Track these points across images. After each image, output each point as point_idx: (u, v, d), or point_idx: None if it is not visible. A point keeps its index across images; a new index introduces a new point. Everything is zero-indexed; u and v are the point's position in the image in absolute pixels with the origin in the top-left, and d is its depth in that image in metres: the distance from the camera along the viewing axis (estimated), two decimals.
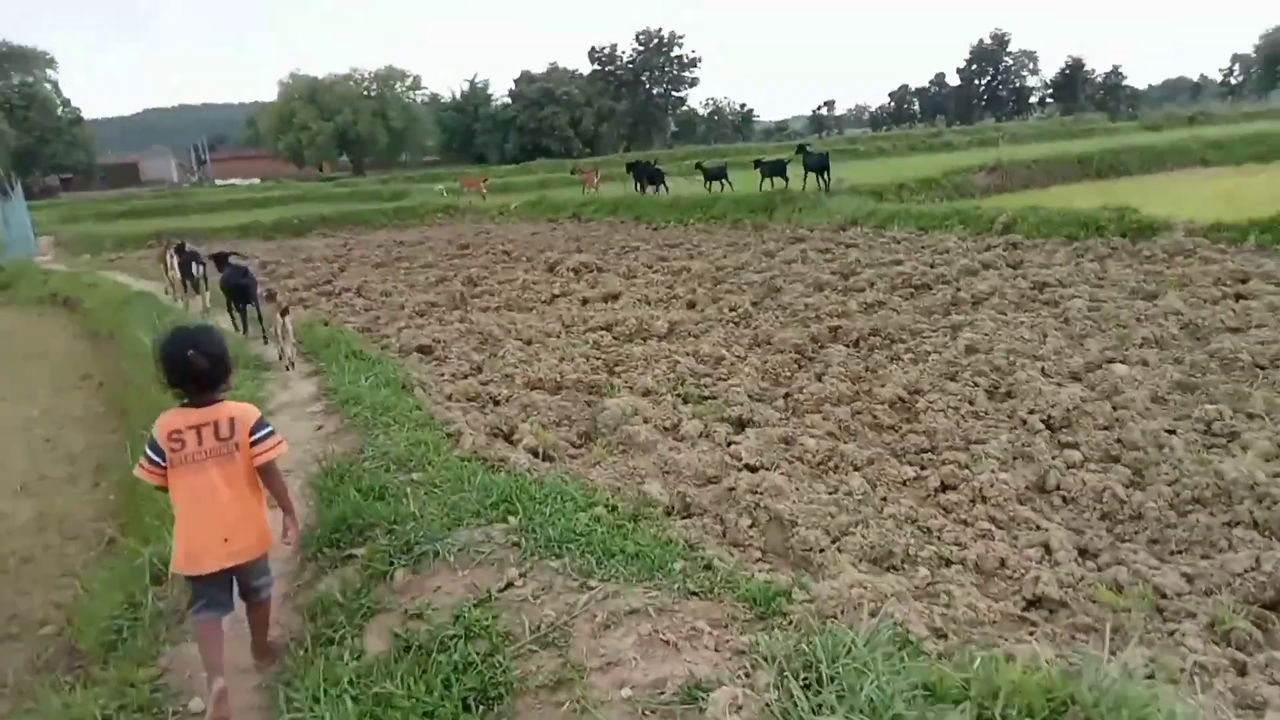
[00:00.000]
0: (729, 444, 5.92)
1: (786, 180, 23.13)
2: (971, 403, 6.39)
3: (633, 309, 11.07)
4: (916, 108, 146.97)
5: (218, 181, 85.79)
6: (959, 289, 10.23)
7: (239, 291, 9.84)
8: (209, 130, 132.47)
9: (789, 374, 7.63)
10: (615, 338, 9.55)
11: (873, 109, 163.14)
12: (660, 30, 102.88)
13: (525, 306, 12.25)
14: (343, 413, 6.42)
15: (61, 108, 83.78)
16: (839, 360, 7.57)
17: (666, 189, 27.43)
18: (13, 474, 8.17)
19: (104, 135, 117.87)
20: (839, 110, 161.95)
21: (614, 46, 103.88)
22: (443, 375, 8.06)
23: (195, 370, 3.24)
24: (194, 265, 11.61)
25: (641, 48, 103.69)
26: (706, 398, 7.05)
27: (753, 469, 5.24)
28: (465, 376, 8.25)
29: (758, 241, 17.82)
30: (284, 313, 8.47)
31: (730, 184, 24.79)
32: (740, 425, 6.28)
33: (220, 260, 10.79)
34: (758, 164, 24.71)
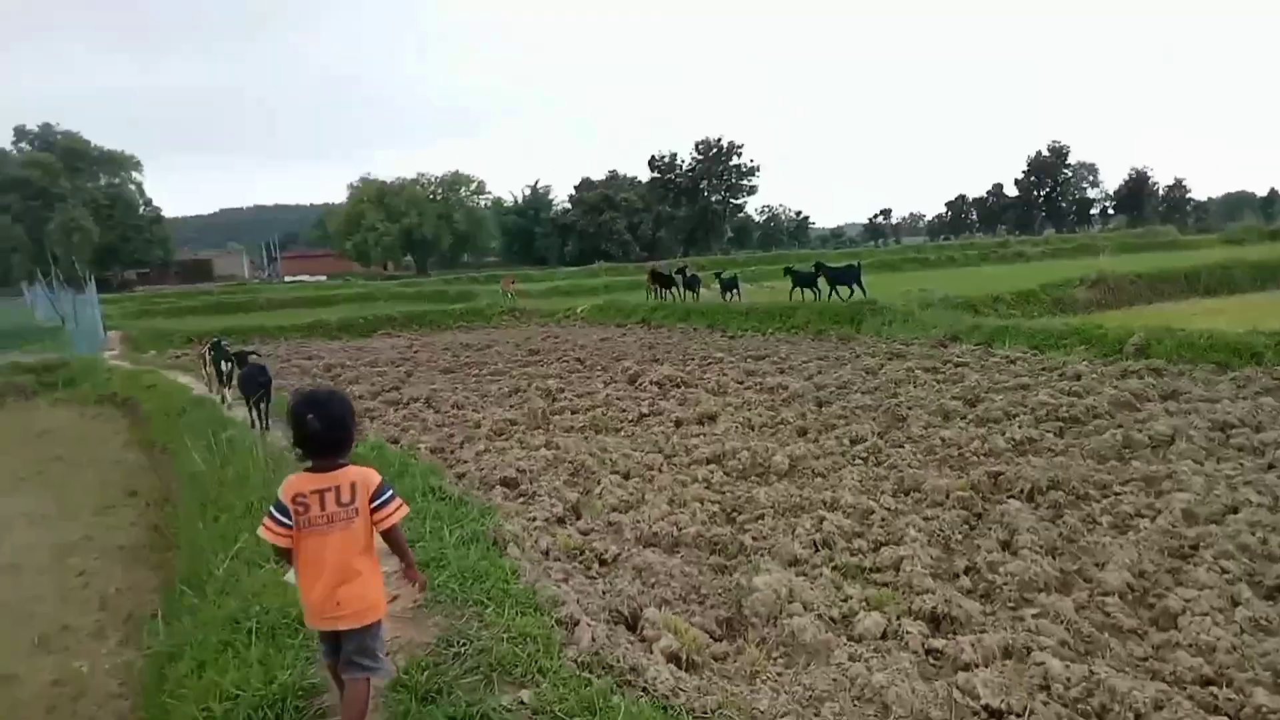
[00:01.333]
0: (929, 652, 4.49)
1: (817, 291, 23.29)
2: (1236, 602, 4.89)
3: (739, 437, 9.78)
4: (974, 217, 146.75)
5: (287, 279, 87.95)
6: (1123, 427, 8.76)
7: (256, 389, 10.53)
8: (281, 230, 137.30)
9: (962, 538, 6.20)
10: (727, 474, 8.22)
11: (928, 218, 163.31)
12: (720, 139, 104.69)
13: (612, 427, 11.05)
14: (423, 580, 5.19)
15: (143, 206, 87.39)
16: (1026, 525, 6.08)
17: (696, 294, 28.00)
18: (36, 619, 7.07)
19: (182, 233, 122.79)
20: (894, 218, 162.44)
21: (674, 155, 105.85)
22: (534, 520, 6.80)
23: (310, 432, 3.31)
24: (223, 362, 12.43)
25: (701, 156, 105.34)
26: (870, 570, 5.66)
27: (997, 714, 3.83)
28: (560, 521, 7.00)
29: (850, 356, 16.57)
30: None
31: (739, 294, 25.93)
32: (934, 621, 4.87)
33: (241, 359, 11.70)
34: (788, 271, 25.17)
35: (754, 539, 6.30)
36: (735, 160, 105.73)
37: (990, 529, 6.21)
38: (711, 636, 4.79)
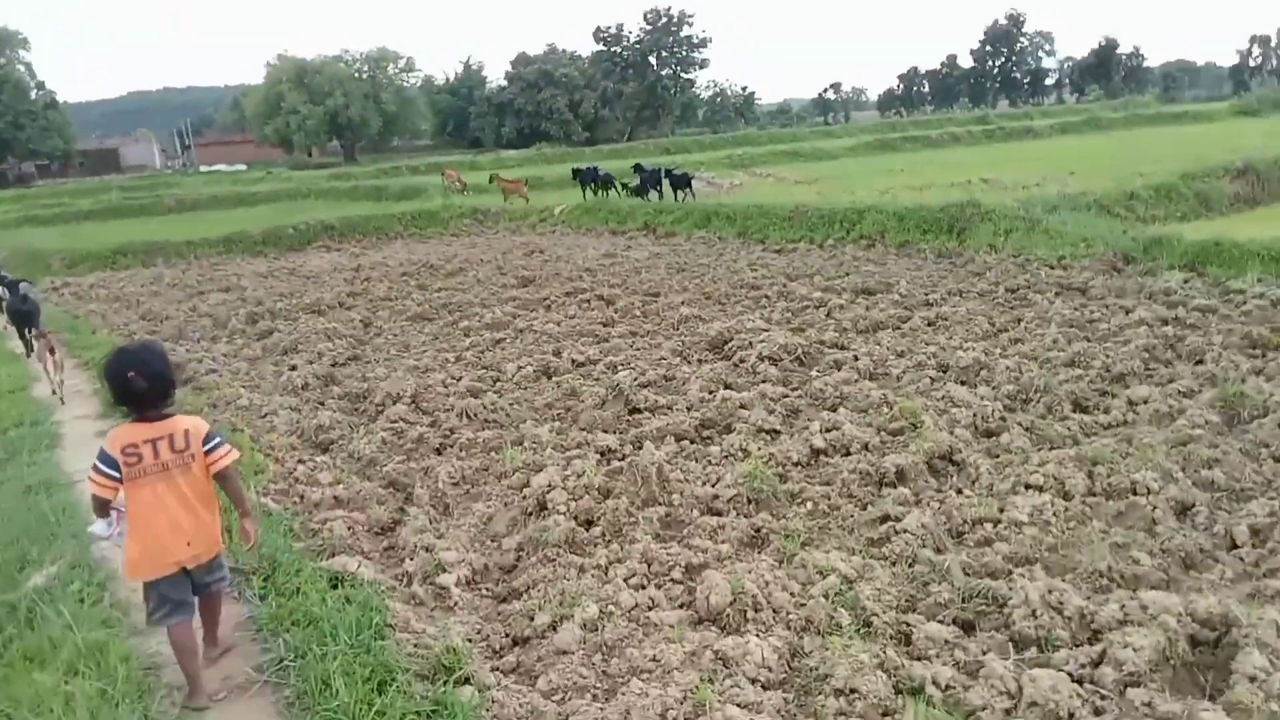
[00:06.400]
0: None
1: (661, 194, 24.17)
2: None
3: (1063, 539, 5.01)
4: (926, 90, 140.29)
5: (202, 168, 79.66)
6: None
7: (21, 318, 11.48)
8: (193, 114, 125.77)
9: None
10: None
11: (869, 92, 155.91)
12: (670, 9, 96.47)
13: (779, 490, 6.11)
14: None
15: (36, 91, 77.09)
16: None
17: (619, 192, 26.49)
18: None
19: (86, 119, 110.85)
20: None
21: (620, 26, 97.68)
22: None
23: (136, 390, 3.40)
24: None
25: (650, 27, 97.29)
26: None
27: None
28: None
29: (996, 288, 11.92)
30: (52, 351, 9.31)
31: (661, 194, 24.70)
32: None
33: (13, 288, 11.94)
34: (637, 168, 25.70)
35: None
36: (686, 31, 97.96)
37: None
38: None
